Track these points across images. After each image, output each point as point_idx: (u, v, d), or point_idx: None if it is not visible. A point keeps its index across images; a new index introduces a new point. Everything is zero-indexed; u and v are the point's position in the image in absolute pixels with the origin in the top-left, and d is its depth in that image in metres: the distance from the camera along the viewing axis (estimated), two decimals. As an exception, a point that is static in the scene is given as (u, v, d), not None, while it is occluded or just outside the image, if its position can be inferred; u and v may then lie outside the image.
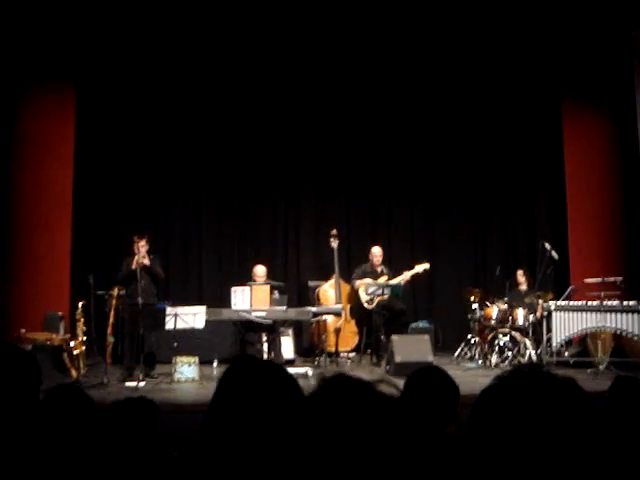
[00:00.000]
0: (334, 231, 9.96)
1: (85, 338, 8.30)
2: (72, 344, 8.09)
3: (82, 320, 8.29)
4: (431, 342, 8.71)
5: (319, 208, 11.01)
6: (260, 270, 9.28)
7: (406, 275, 9.55)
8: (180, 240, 10.72)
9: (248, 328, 8.64)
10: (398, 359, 7.96)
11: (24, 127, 9.44)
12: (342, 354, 9.60)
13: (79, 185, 9.82)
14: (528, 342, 8.74)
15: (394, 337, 8.40)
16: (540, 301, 8.92)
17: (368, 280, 9.47)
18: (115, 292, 8.26)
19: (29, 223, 9.35)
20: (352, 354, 9.76)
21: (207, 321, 8.20)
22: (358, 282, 9.57)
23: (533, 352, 8.68)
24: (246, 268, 9.71)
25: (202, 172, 10.65)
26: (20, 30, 9.16)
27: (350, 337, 9.82)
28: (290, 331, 9.73)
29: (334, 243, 9.91)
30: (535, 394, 1.33)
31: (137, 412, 2.89)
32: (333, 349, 9.34)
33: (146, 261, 8.32)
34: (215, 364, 8.29)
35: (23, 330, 8.17)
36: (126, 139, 10.35)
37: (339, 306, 9.42)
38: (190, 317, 8.09)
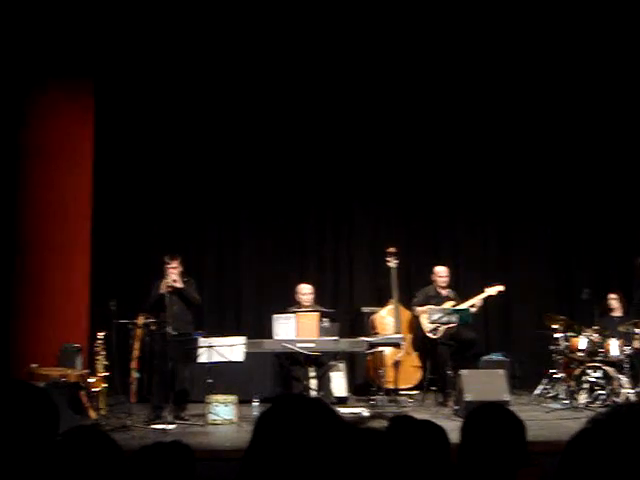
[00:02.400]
0: (392, 249, 9.93)
1: (106, 374, 8.35)
2: (91, 381, 8.15)
3: (103, 353, 8.36)
4: (507, 378, 8.66)
5: (374, 223, 11.03)
6: (305, 288, 9.26)
7: (476, 299, 9.53)
8: (215, 262, 10.82)
9: (293, 362, 8.68)
10: (468, 398, 7.91)
11: (35, 132, 9.42)
12: (403, 392, 9.57)
13: (99, 199, 9.90)
14: (624, 378, 8.59)
15: (463, 372, 8.39)
16: (637, 330, 8.73)
17: (432, 305, 9.42)
18: (140, 321, 8.26)
19: (42, 242, 9.35)
20: (414, 392, 9.71)
21: (247, 354, 8.25)
22: (420, 308, 9.56)
23: (631, 390, 8.51)
24: (290, 293, 9.72)
25: (239, 186, 10.77)
26: (34, 22, 9.20)
27: (412, 372, 9.79)
28: (342, 365, 9.72)
29: (392, 263, 9.89)
30: (638, 441, 1.29)
31: (170, 459, 2.87)
32: (392, 386, 9.28)
33: (178, 284, 8.36)
34: (256, 403, 8.26)
35: (34, 365, 8.16)
36: (153, 148, 10.49)
37: (399, 336, 9.37)
38: (227, 349, 8.14)
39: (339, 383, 9.53)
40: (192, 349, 8.24)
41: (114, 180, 10.24)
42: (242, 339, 8.29)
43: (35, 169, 9.46)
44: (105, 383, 8.31)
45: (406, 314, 9.90)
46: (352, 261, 11.00)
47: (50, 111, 9.46)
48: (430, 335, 9.36)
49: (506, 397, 8.01)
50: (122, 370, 8.54)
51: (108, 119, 10.00)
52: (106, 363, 8.37)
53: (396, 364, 9.38)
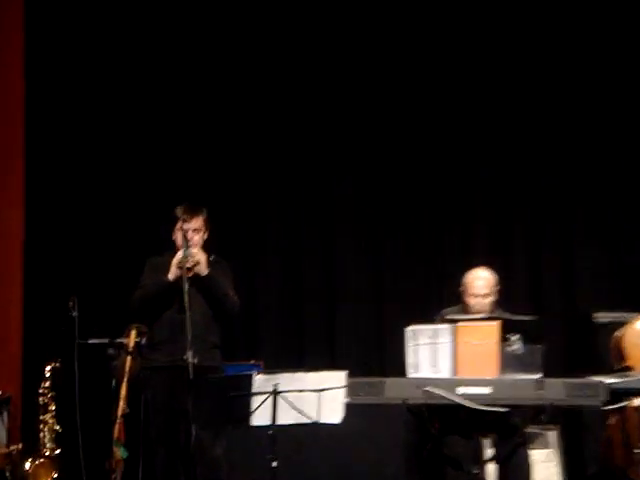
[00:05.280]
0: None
1: (58, 451, 8.47)
2: (27, 467, 8.27)
3: (52, 408, 8.49)
4: None
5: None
6: (479, 278, 8.80)
7: None
8: (280, 238, 11.00)
9: (447, 425, 8.01)
10: None
11: None
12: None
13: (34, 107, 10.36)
14: None
15: None
16: None
17: None
18: (132, 338, 8.02)
19: None
20: None
21: (349, 408, 7.21)
22: None
23: None
24: (436, 287, 10.25)
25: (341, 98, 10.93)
26: None
27: None
28: (553, 435, 9.44)
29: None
30: None
31: None
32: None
33: (202, 265, 7.98)
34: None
35: None
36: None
37: (676, 375, 9.18)
38: (310, 399, 7.23)
39: (547, 473, 9.10)
40: (237, 399, 7.32)
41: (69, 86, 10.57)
42: (340, 377, 7.26)
43: None
44: (57, 470, 8.36)
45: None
46: (571, 229, 10.70)
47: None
48: None
49: None
50: (92, 443, 8.68)
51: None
52: (58, 428, 8.47)
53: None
